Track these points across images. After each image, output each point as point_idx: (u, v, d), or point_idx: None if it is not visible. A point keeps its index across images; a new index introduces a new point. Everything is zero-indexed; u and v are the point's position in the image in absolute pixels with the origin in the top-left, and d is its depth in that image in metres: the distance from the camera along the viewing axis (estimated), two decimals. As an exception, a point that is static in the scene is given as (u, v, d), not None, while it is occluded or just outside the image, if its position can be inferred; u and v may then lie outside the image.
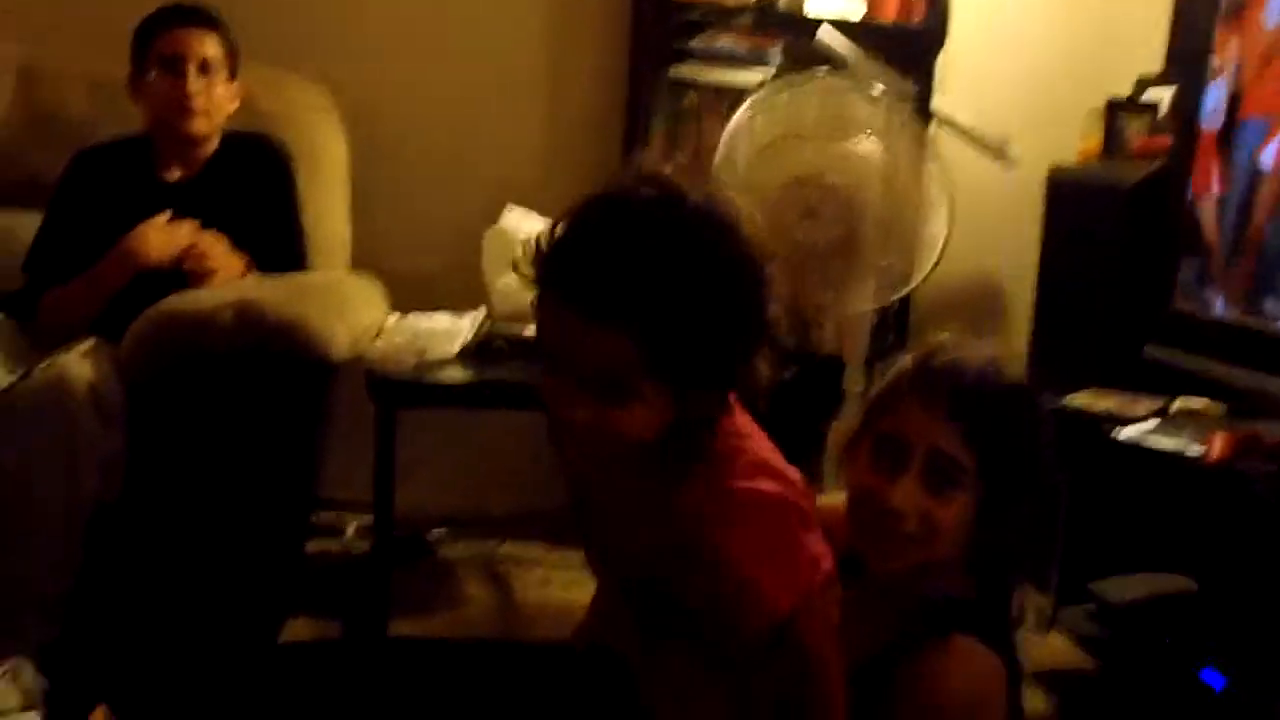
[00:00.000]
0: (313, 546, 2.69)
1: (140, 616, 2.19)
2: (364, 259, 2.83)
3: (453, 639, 2.55)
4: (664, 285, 1.07)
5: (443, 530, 3.02)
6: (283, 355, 2.18)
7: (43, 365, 2.16)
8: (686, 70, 3.05)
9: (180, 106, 2.39)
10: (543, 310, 1.15)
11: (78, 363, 2.14)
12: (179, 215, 2.36)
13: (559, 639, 2.50)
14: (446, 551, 2.97)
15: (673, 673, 1.23)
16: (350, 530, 2.95)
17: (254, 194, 2.48)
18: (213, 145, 2.49)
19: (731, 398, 1.22)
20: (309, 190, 2.64)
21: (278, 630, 2.38)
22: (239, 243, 2.40)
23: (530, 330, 2.57)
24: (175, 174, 2.48)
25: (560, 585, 2.84)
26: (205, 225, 2.37)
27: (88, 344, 2.21)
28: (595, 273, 1.08)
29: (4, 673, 2.01)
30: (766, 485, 1.17)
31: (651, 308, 1.07)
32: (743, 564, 1.12)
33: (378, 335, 2.46)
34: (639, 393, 1.11)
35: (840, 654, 1.21)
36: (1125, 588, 2.56)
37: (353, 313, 2.38)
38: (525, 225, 2.71)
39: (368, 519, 2.85)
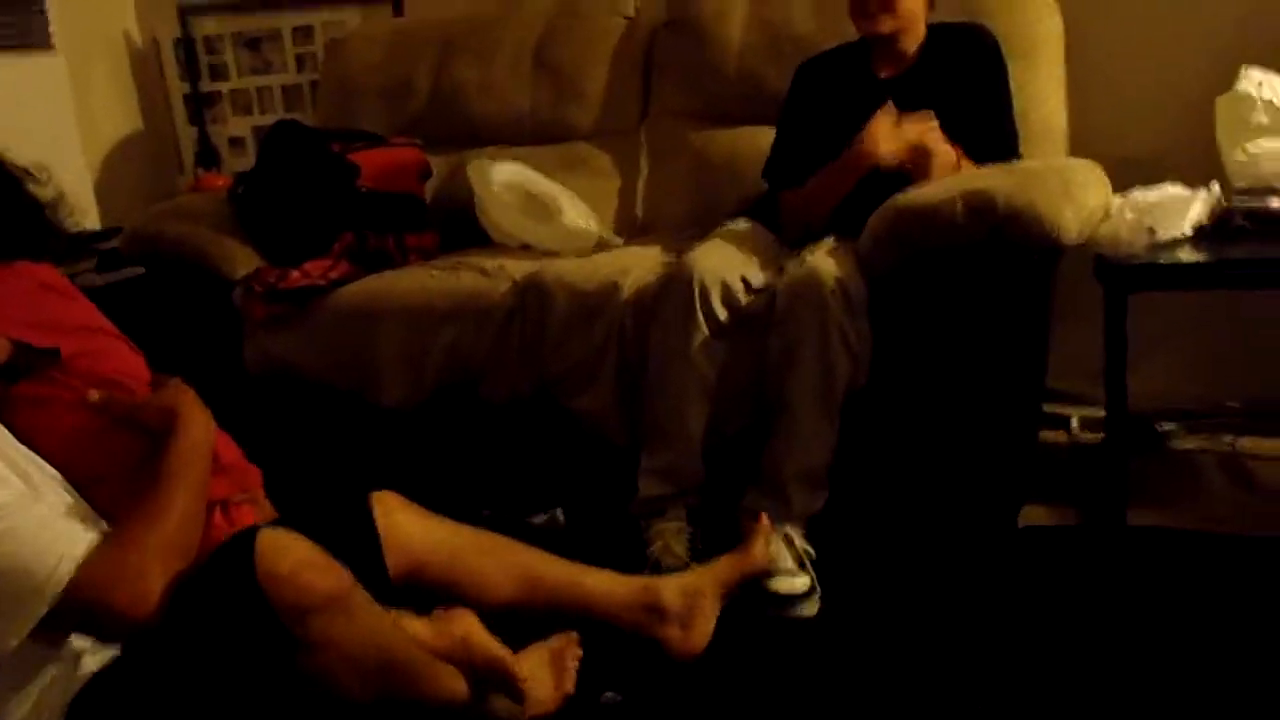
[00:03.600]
0: (1040, 436, 2.68)
1: (889, 493, 2.35)
2: (1081, 146, 2.74)
3: (1193, 531, 2.43)
4: None
5: (1174, 423, 2.88)
6: (1013, 243, 2.19)
7: (794, 262, 2.36)
8: None
9: (861, 9, 2.49)
10: None
11: (824, 259, 2.31)
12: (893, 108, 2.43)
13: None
14: (1179, 443, 2.83)
15: None
16: (1075, 421, 2.90)
17: (965, 84, 2.49)
18: (918, 40, 2.55)
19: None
20: (1024, 77, 2.61)
21: (1016, 514, 2.43)
22: (951, 133, 2.42)
23: (1277, 202, 2.36)
24: (887, 71, 2.56)
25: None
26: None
27: (830, 242, 2.38)
28: None
29: (781, 536, 2.25)
30: None
31: None
32: None
33: (1104, 217, 2.38)
34: None
35: None
36: None
37: (1078, 195, 2.32)
38: (1268, 87, 2.48)
39: (1091, 410, 2.81)
